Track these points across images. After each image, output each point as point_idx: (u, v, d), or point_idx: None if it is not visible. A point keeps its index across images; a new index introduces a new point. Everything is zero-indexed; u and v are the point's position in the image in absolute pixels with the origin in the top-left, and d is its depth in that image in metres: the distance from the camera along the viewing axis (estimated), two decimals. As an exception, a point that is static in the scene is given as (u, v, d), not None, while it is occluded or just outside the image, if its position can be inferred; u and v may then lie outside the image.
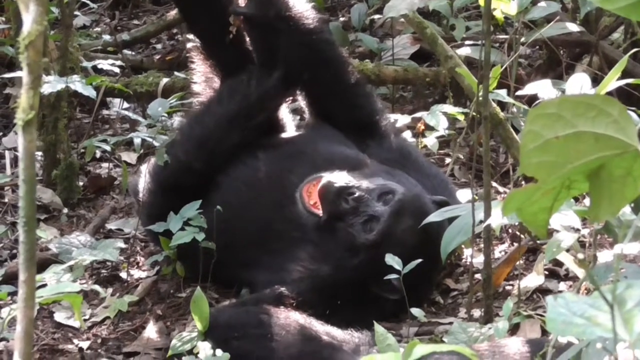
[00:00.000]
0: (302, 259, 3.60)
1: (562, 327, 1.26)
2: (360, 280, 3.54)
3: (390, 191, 3.57)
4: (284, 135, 4.18)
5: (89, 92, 4.05)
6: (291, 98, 4.17)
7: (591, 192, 1.36)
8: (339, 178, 3.57)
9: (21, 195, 1.30)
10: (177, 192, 3.84)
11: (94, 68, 4.87)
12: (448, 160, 4.76)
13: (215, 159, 3.92)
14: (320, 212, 3.59)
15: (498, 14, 4.04)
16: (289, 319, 3.31)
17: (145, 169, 4.07)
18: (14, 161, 4.92)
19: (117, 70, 4.61)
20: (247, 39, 4.07)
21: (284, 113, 4.26)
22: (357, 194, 3.54)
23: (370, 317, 3.33)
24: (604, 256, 3.15)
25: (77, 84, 4.03)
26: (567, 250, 3.24)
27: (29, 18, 1.33)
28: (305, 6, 3.95)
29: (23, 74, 1.36)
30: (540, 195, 1.35)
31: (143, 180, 4.02)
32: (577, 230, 3.02)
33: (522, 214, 1.42)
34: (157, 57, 6.15)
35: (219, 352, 2.98)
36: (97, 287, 1.82)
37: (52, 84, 4.01)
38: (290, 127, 4.28)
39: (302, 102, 4.18)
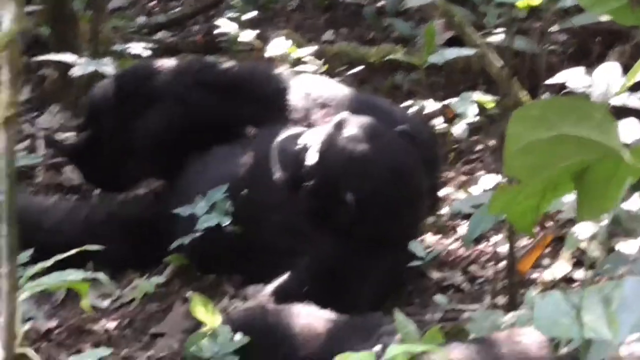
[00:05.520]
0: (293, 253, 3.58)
1: (548, 325, 1.28)
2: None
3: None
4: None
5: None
6: None
7: (577, 193, 1.37)
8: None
9: (5, 190, 1.35)
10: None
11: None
12: (479, 147, 4.75)
13: None
14: None
15: (522, 3, 4.00)
16: (302, 316, 3.18)
17: None
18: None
19: (148, 53, 4.62)
20: None
21: None
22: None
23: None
24: (622, 247, 3.11)
25: (107, 67, 4.07)
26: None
27: (8, 17, 1.36)
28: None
29: (3, 71, 1.39)
30: (524, 197, 1.36)
31: None
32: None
33: (509, 214, 1.43)
34: (193, 39, 6.16)
35: (237, 336, 3.01)
36: (100, 276, 1.83)
37: (82, 67, 4.05)
38: None
39: None
